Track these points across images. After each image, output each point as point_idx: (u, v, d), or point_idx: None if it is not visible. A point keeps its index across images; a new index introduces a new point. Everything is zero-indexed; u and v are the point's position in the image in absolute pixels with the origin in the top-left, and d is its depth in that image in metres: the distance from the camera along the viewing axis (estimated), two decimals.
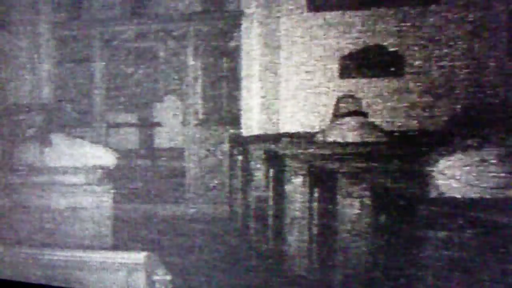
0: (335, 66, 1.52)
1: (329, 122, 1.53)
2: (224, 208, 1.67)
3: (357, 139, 1.49)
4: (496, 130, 1.36)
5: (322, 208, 1.53)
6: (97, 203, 1.82)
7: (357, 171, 1.49)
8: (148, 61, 1.75)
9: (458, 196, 1.38)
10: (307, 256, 1.56)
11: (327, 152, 1.52)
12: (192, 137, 1.72)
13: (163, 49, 1.74)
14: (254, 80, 1.62)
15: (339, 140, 1.51)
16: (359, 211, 1.48)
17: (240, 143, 1.66)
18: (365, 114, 1.48)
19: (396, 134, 1.45)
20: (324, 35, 1.52)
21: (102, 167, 1.82)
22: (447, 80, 1.40)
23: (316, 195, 1.54)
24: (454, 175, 1.38)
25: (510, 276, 1.34)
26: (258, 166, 1.62)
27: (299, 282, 1.57)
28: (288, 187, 1.57)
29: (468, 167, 1.37)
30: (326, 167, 1.52)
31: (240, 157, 1.66)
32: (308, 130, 1.55)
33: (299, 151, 1.56)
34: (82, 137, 1.84)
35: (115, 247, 1.80)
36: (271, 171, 1.61)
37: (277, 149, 1.59)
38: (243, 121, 1.64)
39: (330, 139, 1.52)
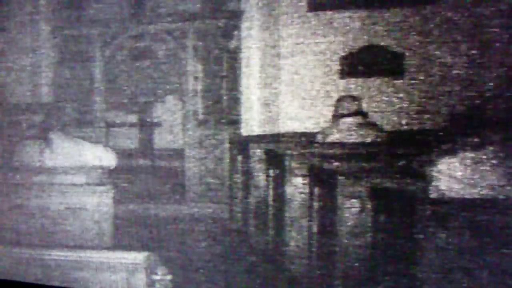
0: (335, 66, 1.52)
1: (329, 122, 1.53)
2: (224, 208, 1.67)
3: (357, 139, 1.49)
4: (496, 130, 1.36)
5: (322, 208, 1.53)
6: (97, 203, 1.82)
7: (357, 171, 1.49)
8: (148, 61, 1.75)
9: (458, 196, 1.38)
10: (307, 256, 1.56)
11: (327, 152, 1.52)
12: (192, 137, 1.72)
13: (163, 49, 1.74)
14: (254, 80, 1.62)
15: (339, 140, 1.51)
16: (359, 211, 1.48)
17: (240, 143, 1.65)
18: (365, 114, 1.48)
19: (396, 134, 1.45)
20: (324, 35, 1.52)
21: (102, 167, 1.82)
22: (447, 80, 1.40)
23: (316, 195, 1.54)
24: (454, 175, 1.38)
25: (510, 276, 1.34)
26: (258, 166, 1.62)
27: (299, 282, 1.57)
28: (288, 187, 1.57)
29: (468, 167, 1.37)
30: (326, 167, 1.52)
31: (240, 157, 1.66)
32: (308, 130, 1.55)
33: (299, 151, 1.56)
34: (82, 137, 1.84)
35: (115, 247, 1.80)
36: (271, 171, 1.61)
37: (277, 149, 1.59)
38: (243, 121, 1.64)
39: (330, 139, 1.52)
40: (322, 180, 1.53)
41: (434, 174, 1.40)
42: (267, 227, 1.61)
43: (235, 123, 1.66)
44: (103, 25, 1.80)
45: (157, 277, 1.75)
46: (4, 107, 1.93)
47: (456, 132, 1.39)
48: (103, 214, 1.82)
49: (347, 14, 1.49)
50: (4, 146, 1.94)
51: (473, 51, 1.38)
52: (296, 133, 1.57)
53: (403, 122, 1.44)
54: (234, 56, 1.65)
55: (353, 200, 1.49)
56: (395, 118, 1.45)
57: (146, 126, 1.77)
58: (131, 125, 1.79)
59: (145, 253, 1.76)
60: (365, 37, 1.47)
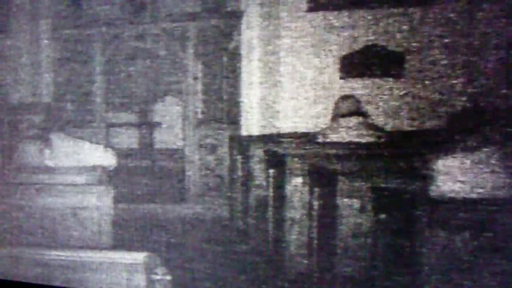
0: (335, 66, 1.52)
1: (329, 122, 1.53)
2: (224, 208, 1.67)
3: (357, 139, 1.49)
4: (496, 130, 1.36)
5: (322, 208, 1.53)
6: (97, 203, 1.82)
7: (357, 171, 1.49)
8: (148, 61, 1.75)
9: (458, 196, 1.38)
10: (307, 256, 1.56)
11: (327, 152, 1.52)
12: (192, 137, 1.72)
13: (163, 49, 1.74)
14: (254, 80, 1.62)
15: (339, 140, 1.51)
16: (359, 211, 1.48)
17: (240, 143, 1.65)
18: (365, 114, 1.48)
19: (396, 134, 1.45)
20: (324, 35, 1.52)
21: (102, 167, 1.82)
22: (447, 80, 1.40)
23: (316, 195, 1.54)
24: (454, 175, 1.38)
25: (510, 276, 1.34)
26: (258, 166, 1.62)
27: (299, 282, 1.57)
28: (288, 187, 1.57)
29: (468, 167, 1.37)
30: (326, 167, 1.52)
31: (240, 157, 1.66)
32: (308, 130, 1.55)
33: (299, 151, 1.56)
34: (82, 137, 1.84)
35: (115, 247, 1.80)
36: (271, 171, 1.61)
37: (277, 149, 1.59)
38: (243, 121, 1.64)
39: (330, 139, 1.52)
40: (322, 180, 1.53)
41: (434, 174, 1.40)
42: (267, 227, 1.61)
43: (235, 123, 1.66)
44: (103, 25, 1.80)
45: (157, 277, 1.75)
46: (4, 107, 1.93)
47: (456, 132, 1.39)
48: (103, 214, 1.82)
49: (347, 14, 1.49)
50: (4, 146, 1.94)
51: (473, 51, 1.38)
52: (296, 133, 1.57)
53: (403, 122, 1.44)
54: (234, 56, 1.65)
55: (353, 200, 1.49)
56: (395, 118, 1.45)
57: (146, 126, 1.77)
58: (131, 125, 1.79)
59: (145, 253, 1.76)
60: (365, 37, 1.47)
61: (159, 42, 1.74)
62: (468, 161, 1.37)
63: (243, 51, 1.63)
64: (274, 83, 1.59)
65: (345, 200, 1.50)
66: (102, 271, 1.81)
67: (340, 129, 1.51)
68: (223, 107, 1.68)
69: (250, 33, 1.61)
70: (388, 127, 1.46)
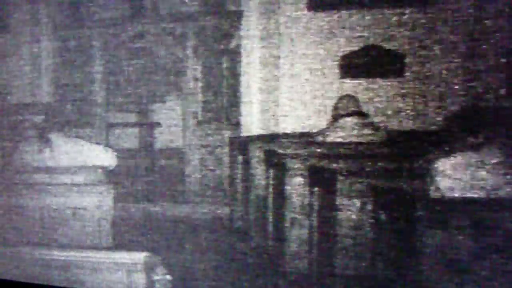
0: (335, 66, 1.52)
1: (329, 122, 1.53)
2: (224, 208, 1.67)
3: (357, 139, 1.49)
4: (496, 130, 1.36)
5: (322, 208, 1.54)
6: (97, 203, 1.82)
7: (357, 171, 1.49)
8: (148, 61, 1.75)
9: (458, 196, 1.38)
10: (307, 256, 1.56)
11: (327, 152, 1.52)
12: (192, 137, 1.72)
13: (163, 49, 1.74)
14: (254, 80, 1.62)
15: (339, 140, 1.51)
16: (359, 211, 1.48)
17: (240, 143, 1.65)
18: (365, 114, 1.48)
19: (396, 134, 1.45)
20: (324, 35, 1.52)
21: (102, 167, 1.82)
22: (447, 79, 1.40)
23: (316, 195, 1.54)
24: (454, 175, 1.38)
25: (510, 276, 1.34)
26: (258, 166, 1.62)
27: (299, 282, 1.57)
28: (288, 187, 1.57)
29: (468, 167, 1.37)
30: (326, 167, 1.52)
31: (240, 157, 1.66)
32: (308, 130, 1.55)
33: (299, 151, 1.56)
34: (82, 137, 1.84)
35: (115, 247, 1.80)
36: (271, 171, 1.61)
37: (277, 149, 1.59)
38: (243, 121, 1.64)
39: (330, 139, 1.52)
40: (322, 180, 1.53)
41: (434, 174, 1.40)
42: (267, 227, 1.61)
43: (235, 123, 1.66)
44: (103, 25, 1.80)
45: (157, 277, 1.75)
46: (4, 107, 1.93)
47: (456, 132, 1.39)
48: (103, 214, 1.82)
49: (347, 14, 1.49)
50: (4, 146, 1.94)
51: (473, 51, 1.38)
52: (296, 133, 1.57)
53: (403, 122, 1.44)
54: (234, 56, 1.65)
55: (353, 200, 1.49)
56: (395, 118, 1.45)
57: (146, 126, 1.77)
58: (131, 125, 1.79)
59: (145, 253, 1.76)
60: (365, 37, 1.47)
61: (159, 42, 1.74)
62: (468, 161, 1.37)
63: (243, 51, 1.63)
64: (274, 83, 1.59)
65: (345, 200, 1.50)
66: (102, 271, 1.81)
67: (340, 129, 1.51)
68: (223, 107, 1.68)
69: (250, 33, 1.61)
70: (388, 127, 1.46)
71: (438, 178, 1.39)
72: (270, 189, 1.61)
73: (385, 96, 1.46)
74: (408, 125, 1.44)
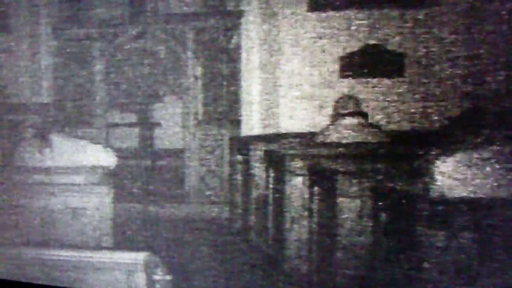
0: (335, 66, 1.52)
1: (329, 122, 1.53)
2: (224, 208, 1.67)
3: (357, 139, 1.49)
4: (496, 130, 1.36)
5: (322, 208, 1.53)
6: (97, 203, 1.82)
7: (357, 171, 1.49)
8: (148, 61, 1.75)
9: (458, 196, 1.38)
10: (307, 256, 1.56)
11: (327, 152, 1.52)
12: (192, 137, 1.72)
13: (163, 49, 1.74)
14: (254, 80, 1.62)
15: (339, 140, 1.51)
16: (359, 211, 1.48)
17: (240, 143, 1.65)
18: (365, 114, 1.48)
19: (396, 134, 1.45)
20: (324, 35, 1.52)
21: (102, 167, 1.82)
22: (447, 80, 1.40)
23: (316, 195, 1.54)
24: (454, 175, 1.38)
25: (510, 276, 1.34)
26: (258, 166, 1.62)
27: (299, 282, 1.57)
28: (288, 187, 1.57)
29: (468, 167, 1.37)
30: (326, 167, 1.52)
31: (240, 157, 1.66)
32: (308, 130, 1.55)
33: (299, 151, 1.56)
34: (82, 137, 1.84)
35: (115, 247, 1.80)
36: (271, 171, 1.61)
37: (277, 149, 1.59)
38: (243, 121, 1.64)
39: (330, 139, 1.52)
40: (322, 180, 1.53)
41: (434, 174, 1.40)
42: (267, 227, 1.61)
43: (235, 123, 1.66)
44: (103, 25, 1.80)
45: (157, 277, 1.75)
46: (4, 107, 1.93)
47: (456, 132, 1.39)
48: (103, 214, 1.82)
49: (347, 14, 1.49)
50: (4, 146, 1.94)
51: (473, 52, 1.38)
52: (296, 133, 1.57)
53: (403, 122, 1.44)
54: (234, 56, 1.65)
55: (353, 200, 1.49)
56: (395, 118, 1.45)
57: (146, 126, 1.77)
58: (131, 125, 1.79)
59: (145, 253, 1.76)
60: (365, 37, 1.47)
61: (159, 42, 1.74)
62: (468, 161, 1.37)
63: (243, 51, 1.63)
64: (274, 83, 1.59)
65: (345, 200, 1.50)
66: (102, 271, 1.81)
67: (340, 129, 1.51)
68: (223, 107, 1.68)
69: (250, 33, 1.61)
70: (388, 127, 1.46)
71: (438, 178, 1.39)
72: (270, 189, 1.61)
73: (385, 96, 1.46)
74: (408, 125, 1.44)
